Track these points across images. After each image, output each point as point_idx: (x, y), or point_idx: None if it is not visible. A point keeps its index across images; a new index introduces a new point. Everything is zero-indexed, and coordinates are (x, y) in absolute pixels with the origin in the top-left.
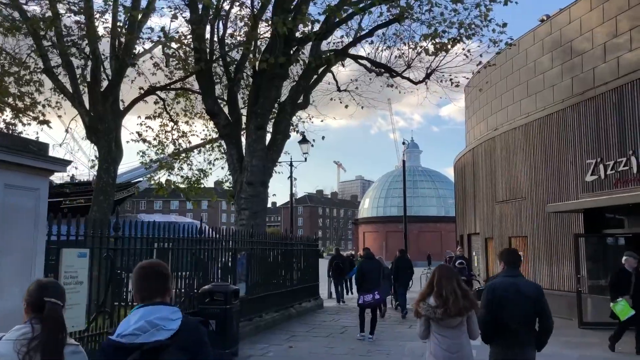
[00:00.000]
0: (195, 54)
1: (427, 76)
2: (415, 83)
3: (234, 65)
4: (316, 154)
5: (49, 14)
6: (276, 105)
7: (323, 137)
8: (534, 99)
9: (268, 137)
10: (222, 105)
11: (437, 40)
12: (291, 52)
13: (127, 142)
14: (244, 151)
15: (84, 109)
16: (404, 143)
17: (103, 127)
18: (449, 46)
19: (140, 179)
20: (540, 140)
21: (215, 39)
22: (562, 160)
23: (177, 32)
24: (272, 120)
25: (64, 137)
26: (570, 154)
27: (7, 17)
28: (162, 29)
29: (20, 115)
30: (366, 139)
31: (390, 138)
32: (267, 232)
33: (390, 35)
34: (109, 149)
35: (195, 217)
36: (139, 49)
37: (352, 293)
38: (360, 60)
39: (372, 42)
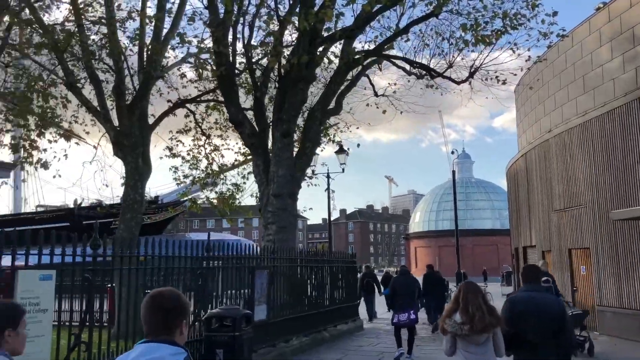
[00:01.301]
0: (215, 59)
1: (471, 74)
2: (458, 83)
3: (261, 72)
4: (366, 169)
5: (68, 26)
6: (306, 112)
7: (358, 145)
8: (591, 95)
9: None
10: (248, 114)
11: (479, 32)
12: (317, 52)
13: (161, 157)
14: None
15: (110, 125)
16: (452, 152)
17: (129, 143)
18: (493, 39)
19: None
20: (601, 140)
21: (240, 45)
22: (627, 161)
23: (201, 40)
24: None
25: (94, 154)
26: (636, 152)
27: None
28: (180, 35)
29: (44, 131)
30: (417, 153)
31: (442, 151)
32: (297, 249)
33: (429, 32)
34: (135, 164)
35: (247, 235)
36: (167, 60)
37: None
38: (396, 61)
39: (408, 40)
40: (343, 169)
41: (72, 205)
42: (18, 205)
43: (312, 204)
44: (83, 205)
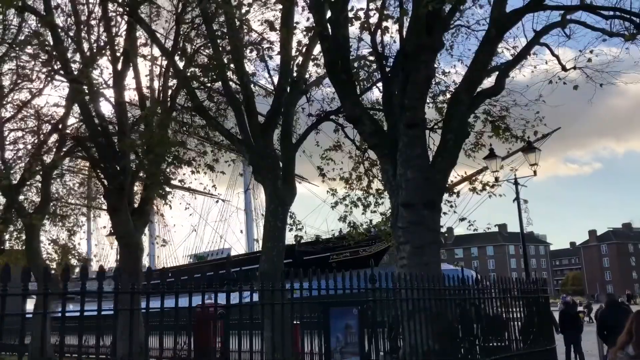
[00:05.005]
0: (321, 44)
1: None
2: None
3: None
4: (619, 184)
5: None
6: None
7: (535, 133)
8: None
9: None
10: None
11: None
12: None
13: (323, 181)
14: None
15: (247, 148)
16: None
17: (266, 164)
18: None
19: None
20: None
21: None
22: None
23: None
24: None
25: (249, 182)
26: None
27: None
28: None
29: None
30: None
31: None
32: (443, 276)
33: None
34: (274, 187)
35: (481, 264)
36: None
37: None
38: (570, 16)
39: None
40: (535, 172)
41: (293, 242)
42: (251, 245)
43: (550, 225)
44: (303, 241)
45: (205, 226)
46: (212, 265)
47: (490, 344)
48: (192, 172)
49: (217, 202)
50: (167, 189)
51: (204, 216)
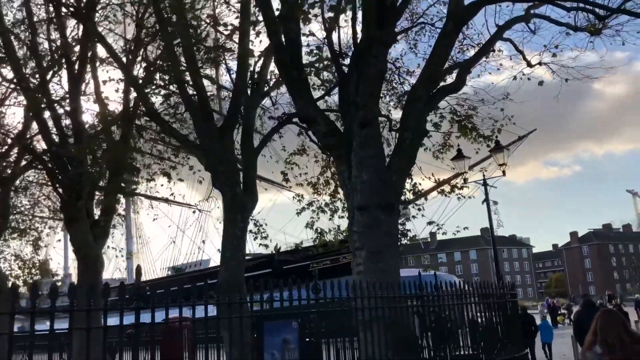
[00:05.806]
0: (271, 40)
1: None
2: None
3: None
4: (599, 186)
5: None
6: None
7: (499, 130)
8: None
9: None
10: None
11: None
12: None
13: (290, 187)
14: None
15: (204, 152)
16: None
17: (224, 168)
18: None
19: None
20: None
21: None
22: None
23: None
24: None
25: (209, 190)
26: None
27: None
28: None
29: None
30: None
31: None
32: (400, 282)
33: None
34: (233, 193)
35: (464, 269)
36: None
37: None
38: (534, 11)
39: None
40: (504, 172)
41: (273, 251)
42: None
43: (533, 228)
44: (282, 250)
45: (183, 237)
46: (189, 277)
47: (456, 353)
48: (148, 180)
49: (194, 212)
50: (120, 197)
51: (182, 227)
